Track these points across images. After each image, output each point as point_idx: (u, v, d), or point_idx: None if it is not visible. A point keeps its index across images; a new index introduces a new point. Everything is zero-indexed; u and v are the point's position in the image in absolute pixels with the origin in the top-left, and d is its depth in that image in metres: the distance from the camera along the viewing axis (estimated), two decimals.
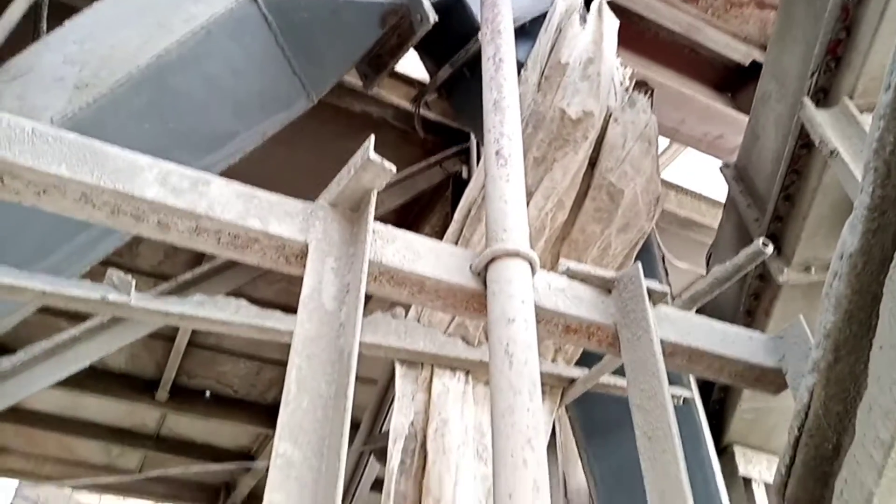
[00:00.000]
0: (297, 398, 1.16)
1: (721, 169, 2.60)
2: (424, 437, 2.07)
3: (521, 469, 1.14)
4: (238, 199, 1.35)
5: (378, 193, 1.42)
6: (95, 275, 2.09)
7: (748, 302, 2.41)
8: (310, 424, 1.14)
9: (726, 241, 2.62)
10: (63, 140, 1.24)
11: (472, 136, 3.31)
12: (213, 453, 6.29)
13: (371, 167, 1.31)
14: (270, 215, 1.36)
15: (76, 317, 2.56)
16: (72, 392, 5.27)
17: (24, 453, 6.50)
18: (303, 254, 1.36)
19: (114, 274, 2.02)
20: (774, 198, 2.16)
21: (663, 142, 4.88)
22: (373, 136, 1.33)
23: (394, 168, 1.33)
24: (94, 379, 5.21)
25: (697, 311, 1.83)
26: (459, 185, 3.20)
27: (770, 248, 1.61)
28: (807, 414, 1.30)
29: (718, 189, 3.66)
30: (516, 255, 1.41)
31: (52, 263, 2.25)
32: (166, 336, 4.97)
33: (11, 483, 13.59)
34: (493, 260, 1.42)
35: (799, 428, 1.32)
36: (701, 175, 4.69)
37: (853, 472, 1.20)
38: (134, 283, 2.03)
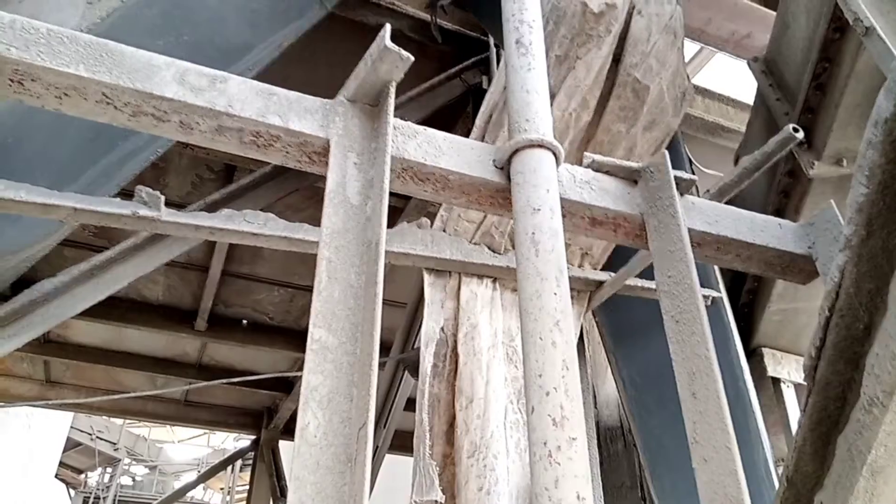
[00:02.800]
0: (329, 288, 1.18)
1: (749, 63, 2.50)
2: (455, 341, 2.11)
3: (550, 350, 1.15)
4: (257, 96, 1.34)
5: (397, 109, 1.39)
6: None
7: (777, 200, 2.37)
8: (342, 312, 1.16)
9: (755, 139, 2.55)
10: (78, 40, 1.24)
11: (492, 45, 3.22)
12: (253, 380, 6.48)
13: (388, 56, 1.29)
14: (290, 112, 1.35)
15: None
16: (115, 325, 5.46)
17: (75, 386, 6.80)
18: (325, 151, 1.36)
19: (143, 190, 2.05)
20: (805, 88, 2.08)
21: (691, 49, 4.71)
22: (388, 26, 1.30)
23: (411, 57, 1.30)
24: (135, 311, 5.38)
25: None
26: (480, 96, 3.14)
27: (800, 134, 1.56)
28: (837, 294, 1.28)
29: (747, 95, 3.54)
30: (540, 144, 1.39)
31: (80, 187, 2.29)
32: (200, 266, 5.07)
33: (67, 416, 14.31)
34: (516, 151, 1.40)
35: (829, 308, 1.31)
36: (730, 84, 4.54)
37: (885, 345, 1.20)
38: (163, 199, 2.06)
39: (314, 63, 3.46)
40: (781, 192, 2.36)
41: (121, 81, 1.27)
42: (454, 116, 3.57)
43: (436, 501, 1.71)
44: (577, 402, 1.08)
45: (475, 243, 2.29)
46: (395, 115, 1.41)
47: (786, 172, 2.32)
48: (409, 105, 3.18)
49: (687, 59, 4.76)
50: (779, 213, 2.40)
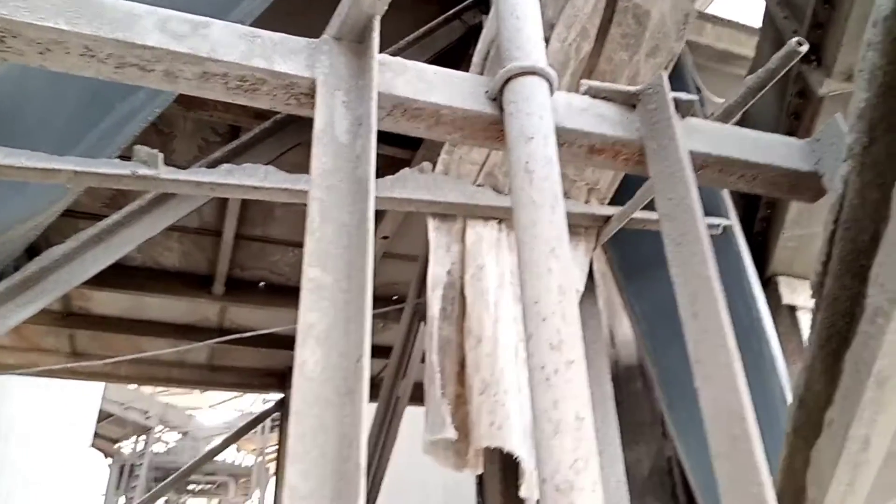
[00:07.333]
0: (322, 227, 1.17)
1: None
2: (462, 284, 2.11)
3: (546, 276, 1.14)
4: (240, 39, 1.32)
5: (397, 54, 1.36)
6: None
7: (788, 122, 2.30)
8: (336, 251, 1.16)
9: (765, 61, 2.47)
10: None
11: None
12: (274, 340, 6.56)
13: None
14: (275, 54, 1.33)
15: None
16: (134, 294, 5.54)
17: (100, 356, 6.94)
18: (312, 91, 1.33)
19: (141, 150, 2.04)
20: (813, 2, 2.00)
21: None
22: None
23: None
24: (153, 279, 5.44)
25: None
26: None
27: (804, 47, 1.51)
28: (842, 205, 1.25)
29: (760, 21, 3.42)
30: (532, 71, 1.35)
31: (81, 152, 2.28)
32: (214, 231, 5.10)
33: (98, 388, 14.69)
34: (508, 80, 1.37)
35: (834, 221, 1.27)
36: (742, 11, 4.40)
37: (888, 253, 1.17)
38: (161, 156, 2.06)
39: (312, 17, 3.40)
40: (792, 113, 2.29)
41: (101, 32, 1.25)
42: (456, 59, 3.50)
43: (448, 439, 1.73)
44: (575, 327, 1.07)
45: (479, 185, 2.27)
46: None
47: (796, 93, 2.25)
48: (408, 50, 3.12)
49: None
50: (790, 135, 2.33)
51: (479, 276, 2.01)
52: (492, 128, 1.45)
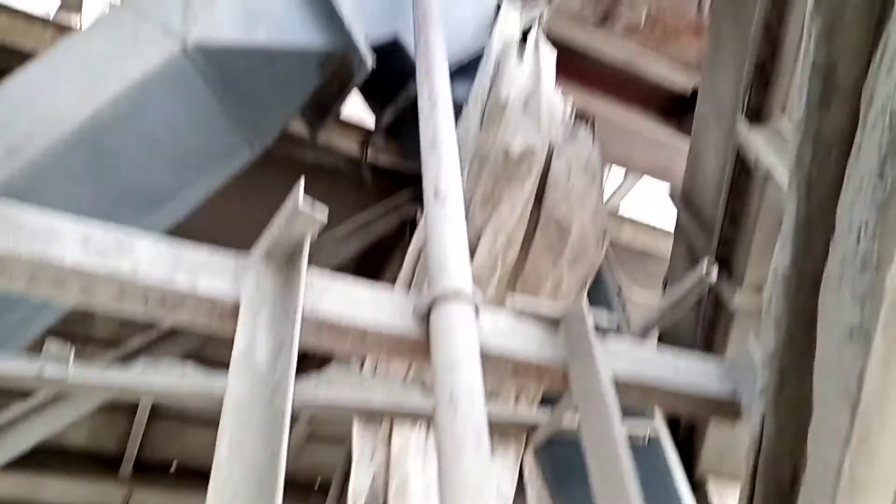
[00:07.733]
0: (229, 466, 1.10)
1: (670, 194, 2.61)
2: (386, 496, 1.99)
3: None
4: (165, 258, 1.30)
5: (334, 242, 1.39)
6: None
7: (705, 331, 2.39)
8: (243, 493, 1.08)
9: (679, 268, 2.61)
10: None
11: None
12: None
13: (301, 217, 1.28)
14: (200, 272, 1.31)
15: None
16: (31, 475, 5.05)
17: None
18: (235, 311, 1.30)
19: (53, 344, 1.93)
20: (720, 222, 2.16)
21: (619, 174, 4.93)
22: (302, 183, 1.29)
23: (325, 214, 1.29)
24: (54, 459, 5.01)
25: (658, 343, 1.79)
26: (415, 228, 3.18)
27: (715, 270, 1.60)
28: (760, 443, 1.25)
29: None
30: (458, 296, 1.38)
31: None
32: (127, 408, 4.81)
33: None
34: (435, 303, 1.38)
35: (754, 460, 1.28)
36: (658, 205, 4.74)
37: (809, 498, 1.16)
38: (73, 353, 1.95)
39: (251, 199, 3.46)
40: (708, 323, 2.39)
41: (19, 247, 1.21)
42: (393, 246, 3.58)
43: None
44: None
45: (408, 382, 2.22)
46: (331, 249, 1.40)
47: (710, 302, 2.36)
48: (346, 238, 3.18)
49: (618, 185, 4.91)
50: (707, 342, 2.41)
51: (404, 490, 1.91)
52: (419, 347, 1.44)
